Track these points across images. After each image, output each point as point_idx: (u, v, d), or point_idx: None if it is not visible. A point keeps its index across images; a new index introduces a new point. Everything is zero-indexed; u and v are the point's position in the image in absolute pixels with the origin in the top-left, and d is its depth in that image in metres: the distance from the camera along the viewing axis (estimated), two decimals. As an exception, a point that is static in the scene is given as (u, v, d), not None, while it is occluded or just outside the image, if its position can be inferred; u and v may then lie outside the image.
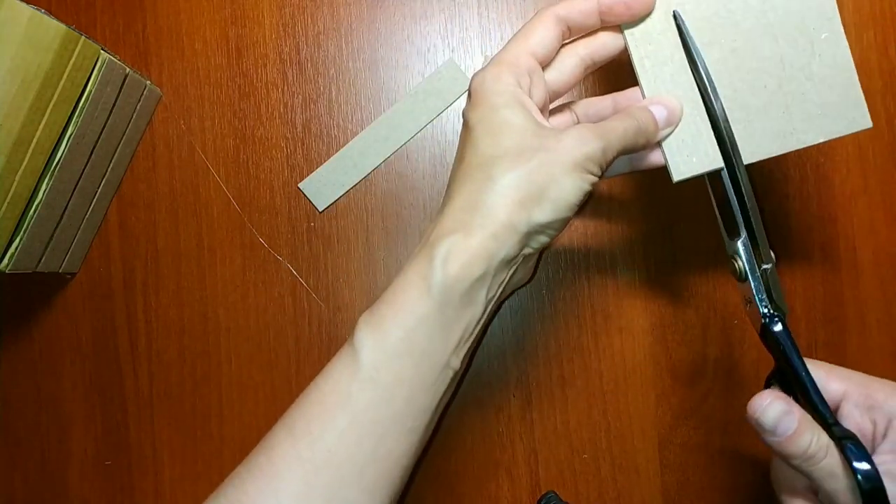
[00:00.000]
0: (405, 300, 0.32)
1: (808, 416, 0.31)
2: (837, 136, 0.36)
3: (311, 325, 0.47)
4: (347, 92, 0.48)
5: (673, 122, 0.35)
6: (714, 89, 0.35)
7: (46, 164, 0.40)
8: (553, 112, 0.39)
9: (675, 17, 0.35)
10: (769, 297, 0.35)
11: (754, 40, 0.35)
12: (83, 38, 0.39)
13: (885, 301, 0.46)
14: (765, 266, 0.35)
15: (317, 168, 0.47)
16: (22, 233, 0.40)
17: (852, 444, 0.30)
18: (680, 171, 0.35)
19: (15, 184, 0.39)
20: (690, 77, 0.35)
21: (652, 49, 0.35)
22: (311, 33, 0.48)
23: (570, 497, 0.46)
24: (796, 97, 0.35)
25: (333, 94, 0.48)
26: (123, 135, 0.46)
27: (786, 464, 0.32)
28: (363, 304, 0.47)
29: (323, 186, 0.47)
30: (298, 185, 0.47)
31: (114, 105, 0.44)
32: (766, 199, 0.46)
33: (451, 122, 0.47)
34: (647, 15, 0.35)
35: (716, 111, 0.35)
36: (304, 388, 0.47)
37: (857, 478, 0.29)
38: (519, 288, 0.46)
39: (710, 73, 0.35)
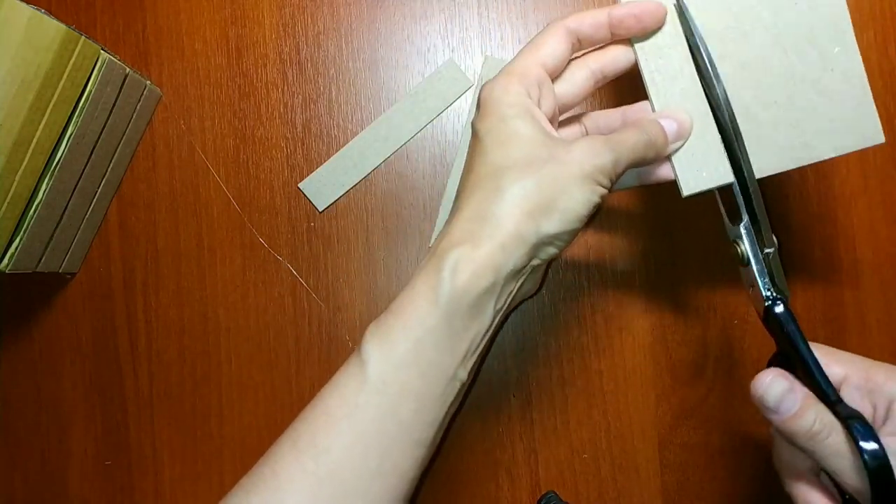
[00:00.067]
0: (413, 311, 0.31)
1: (812, 395, 0.31)
2: (849, 151, 0.35)
3: (311, 325, 0.47)
4: (347, 92, 0.48)
5: (683, 136, 0.35)
6: (726, 103, 0.35)
7: (46, 164, 0.40)
8: (562, 124, 0.39)
9: (685, 30, 0.35)
10: (771, 280, 0.35)
11: (765, 54, 0.35)
12: (83, 38, 0.39)
13: (885, 301, 0.46)
14: (767, 250, 0.35)
15: (317, 168, 0.47)
16: (22, 233, 0.40)
17: (859, 424, 0.29)
18: (690, 186, 0.35)
19: (15, 184, 0.39)
20: (701, 91, 0.35)
21: (662, 63, 0.35)
22: (311, 33, 0.48)
23: (570, 497, 0.46)
24: (808, 112, 0.35)
25: (333, 94, 0.48)
26: (123, 135, 0.46)
27: (788, 446, 0.32)
28: (363, 304, 0.47)
29: (323, 186, 0.47)
30: (298, 185, 0.47)
31: (114, 105, 0.44)
32: (766, 200, 0.46)
33: (451, 122, 0.47)
34: (658, 29, 0.35)
35: (727, 125, 0.35)
36: (304, 387, 0.47)
37: (863, 457, 0.29)
38: (527, 299, 0.46)
39: (722, 87, 0.35)
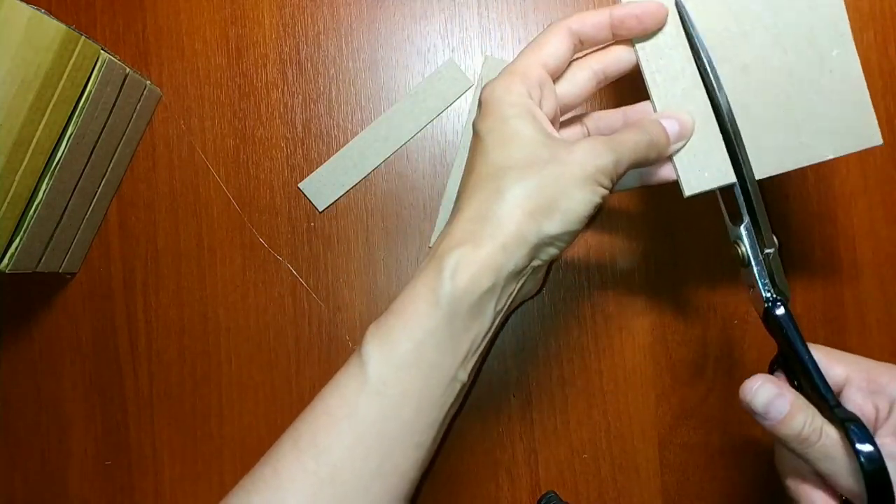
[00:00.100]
0: (413, 312, 0.31)
1: (802, 399, 0.31)
2: (848, 152, 0.36)
3: (311, 325, 0.47)
4: (347, 92, 0.48)
5: (684, 137, 0.35)
6: (727, 104, 0.35)
7: (46, 164, 0.40)
8: (564, 124, 0.39)
9: (686, 31, 0.35)
10: (772, 281, 0.35)
11: (765, 55, 0.35)
12: (83, 38, 0.39)
13: (885, 301, 0.46)
14: (767, 251, 0.35)
15: (317, 168, 0.47)
16: (22, 233, 0.40)
17: (855, 427, 0.30)
18: (691, 186, 0.35)
19: (15, 184, 0.39)
20: (702, 92, 0.35)
21: (663, 63, 0.35)
22: (311, 33, 0.48)
23: (570, 497, 0.46)
24: (807, 113, 0.35)
25: (333, 94, 0.48)
26: (123, 135, 0.46)
27: (787, 447, 0.32)
28: (363, 304, 0.47)
29: (323, 186, 0.47)
30: (298, 185, 0.47)
31: (114, 105, 0.44)
32: (766, 200, 0.46)
33: (451, 122, 0.47)
34: (659, 29, 0.35)
35: (728, 126, 0.35)
36: (304, 388, 0.47)
37: (859, 460, 0.29)
38: (527, 300, 0.46)
39: (722, 87, 0.35)
